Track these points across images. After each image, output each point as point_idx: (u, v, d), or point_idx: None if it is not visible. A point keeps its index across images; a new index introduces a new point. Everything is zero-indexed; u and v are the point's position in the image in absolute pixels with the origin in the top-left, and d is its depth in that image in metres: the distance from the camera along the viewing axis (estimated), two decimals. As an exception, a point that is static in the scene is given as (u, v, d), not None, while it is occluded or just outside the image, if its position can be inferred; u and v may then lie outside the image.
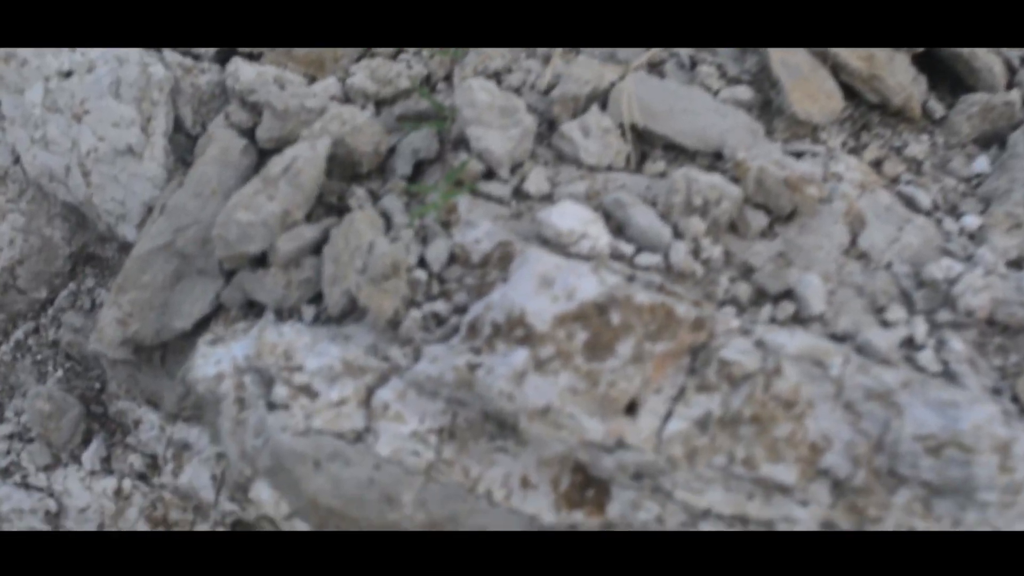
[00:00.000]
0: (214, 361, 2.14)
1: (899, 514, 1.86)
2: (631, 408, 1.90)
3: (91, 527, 2.59)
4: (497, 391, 1.84)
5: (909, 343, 2.05)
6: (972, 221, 2.32)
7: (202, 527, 2.55)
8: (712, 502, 1.88)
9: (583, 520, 1.94)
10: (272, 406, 2.02)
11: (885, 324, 2.07)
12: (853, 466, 1.88)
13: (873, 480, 1.88)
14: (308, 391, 2.00)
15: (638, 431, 1.86)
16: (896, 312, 2.08)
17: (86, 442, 2.67)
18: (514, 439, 1.97)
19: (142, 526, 2.57)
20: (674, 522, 1.87)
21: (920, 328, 2.05)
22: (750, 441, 1.88)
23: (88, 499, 2.61)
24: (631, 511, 1.90)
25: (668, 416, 1.89)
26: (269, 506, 2.02)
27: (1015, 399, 2.04)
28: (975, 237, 2.31)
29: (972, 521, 1.85)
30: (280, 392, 2.00)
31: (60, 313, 2.78)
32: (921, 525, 1.85)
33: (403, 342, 2.05)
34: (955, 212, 2.38)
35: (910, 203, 2.38)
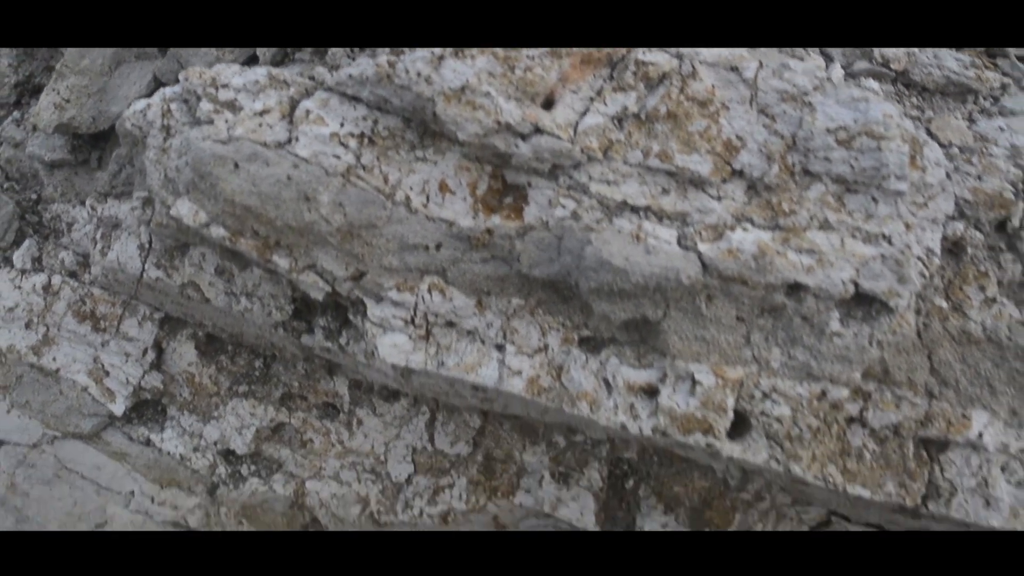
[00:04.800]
0: (144, 102, 2.16)
1: (812, 207, 1.87)
2: (548, 104, 1.92)
3: (18, 326, 2.54)
4: (415, 75, 1.87)
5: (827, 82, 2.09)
6: (892, 12, 2.39)
7: (129, 322, 2.52)
8: (627, 194, 1.89)
9: (500, 223, 1.94)
10: (197, 122, 2.03)
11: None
12: (767, 164, 1.89)
13: (787, 177, 1.90)
14: (232, 106, 2.03)
15: (554, 119, 1.88)
16: (814, 60, 2.14)
17: (18, 243, 2.65)
18: (433, 147, 1.98)
19: (69, 320, 2.53)
20: (589, 218, 1.88)
21: (837, 72, 2.10)
22: (665, 136, 1.90)
23: (17, 298, 2.58)
24: (548, 210, 1.90)
25: (585, 112, 1.92)
26: (188, 218, 2.01)
27: (930, 134, 2.08)
28: (895, 24, 2.37)
29: (884, 214, 1.86)
30: (205, 107, 2.02)
31: (1, 133, 2.80)
32: (834, 218, 1.86)
33: (331, 67, 2.09)
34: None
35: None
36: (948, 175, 1.95)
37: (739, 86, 1.93)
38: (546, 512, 2.31)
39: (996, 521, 1.96)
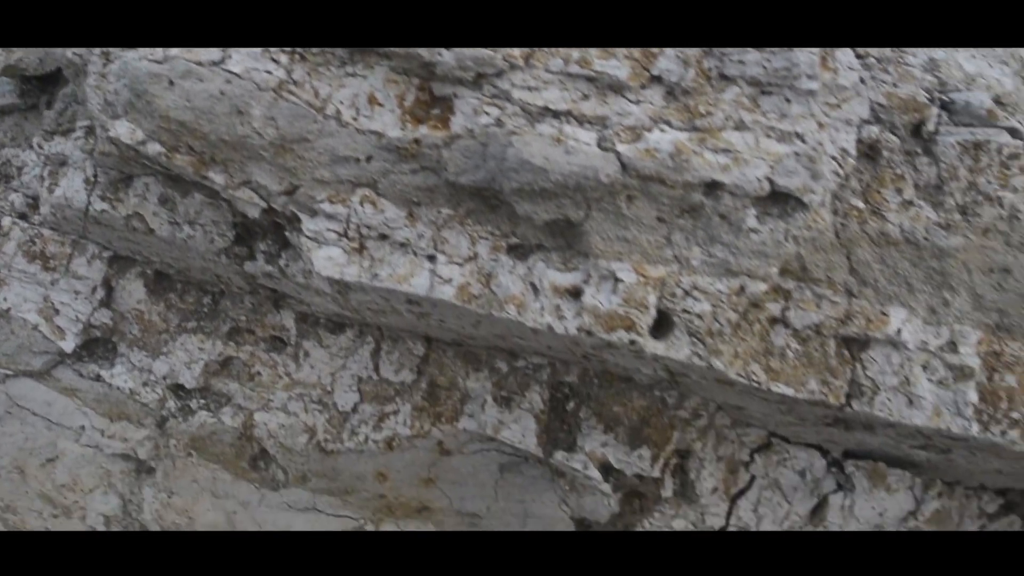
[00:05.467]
0: (86, 32, 2.22)
1: (728, 109, 1.94)
2: (472, 16, 1.98)
3: (-33, 269, 2.59)
4: (341, -13, 1.93)
5: None
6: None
7: (78, 261, 2.57)
8: (549, 100, 1.95)
9: (428, 133, 2.00)
10: (134, 45, 2.09)
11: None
12: (684, 69, 1.96)
13: (704, 81, 1.96)
14: (169, 28, 2.08)
15: (476, 29, 1.95)
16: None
17: (-32, 189, 2.71)
18: (363, 62, 2.04)
19: (19, 260, 2.58)
20: (513, 124, 1.94)
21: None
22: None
23: (-32, 241, 2.62)
24: (473, 118, 1.97)
25: (507, 23, 1.97)
26: (126, 136, 2.07)
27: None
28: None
29: (797, 113, 1.93)
30: (142, 31, 2.08)
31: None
32: (749, 118, 1.93)
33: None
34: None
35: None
36: (863, 80, 2.01)
37: (657, -3, 1.99)
38: (489, 435, 2.36)
39: (919, 420, 2.02)
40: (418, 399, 2.41)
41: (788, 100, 1.91)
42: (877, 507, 2.44)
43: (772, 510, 2.45)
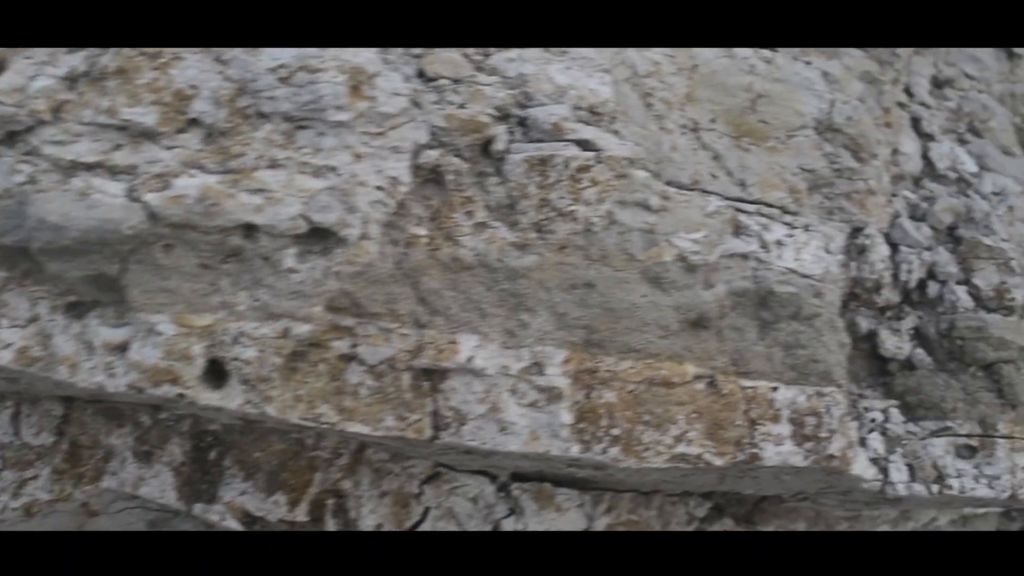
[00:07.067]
0: None
1: (261, 147, 1.88)
2: (-1, 72, 1.92)
3: None
4: None
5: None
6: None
7: None
8: (78, 153, 1.88)
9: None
10: None
11: None
12: (218, 109, 1.89)
13: (240, 121, 1.90)
14: None
15: (-2, 87, 1.88)
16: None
17: None
18: (-98, 128, 1.97)
19: None
20: (47, 181, 1.87)
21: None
22: (115, 92, 1.90)
23: None
24: (9, 177, 1.89)
25: (35, 76, 1.91)
26: None
27: (421, 71, 2.09)
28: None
29: (331, 146, 1.87)
30: None
31: None
32: (282, 155, 1.88)
33: None
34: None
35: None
36: (417, 104, 1.96)
37: (194, 36, 1.93)
38: (130, 493, 2.29)
39: (514, 445, 1.97)
40: (58, 461, 2.34)
41: (322, 134, 1.85)
42: (549, 528, 2.39)
43: (449, 540, 2.38)
